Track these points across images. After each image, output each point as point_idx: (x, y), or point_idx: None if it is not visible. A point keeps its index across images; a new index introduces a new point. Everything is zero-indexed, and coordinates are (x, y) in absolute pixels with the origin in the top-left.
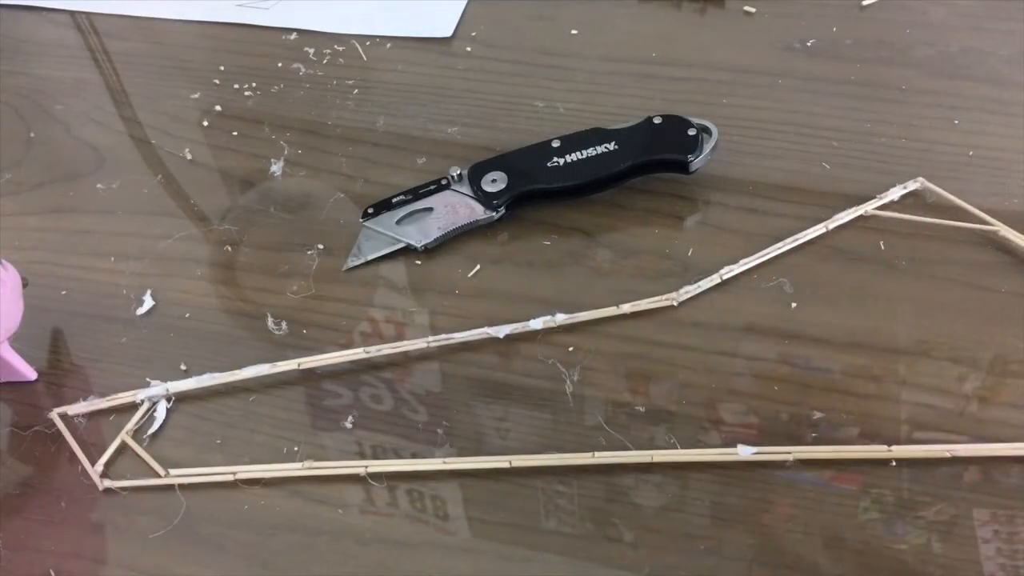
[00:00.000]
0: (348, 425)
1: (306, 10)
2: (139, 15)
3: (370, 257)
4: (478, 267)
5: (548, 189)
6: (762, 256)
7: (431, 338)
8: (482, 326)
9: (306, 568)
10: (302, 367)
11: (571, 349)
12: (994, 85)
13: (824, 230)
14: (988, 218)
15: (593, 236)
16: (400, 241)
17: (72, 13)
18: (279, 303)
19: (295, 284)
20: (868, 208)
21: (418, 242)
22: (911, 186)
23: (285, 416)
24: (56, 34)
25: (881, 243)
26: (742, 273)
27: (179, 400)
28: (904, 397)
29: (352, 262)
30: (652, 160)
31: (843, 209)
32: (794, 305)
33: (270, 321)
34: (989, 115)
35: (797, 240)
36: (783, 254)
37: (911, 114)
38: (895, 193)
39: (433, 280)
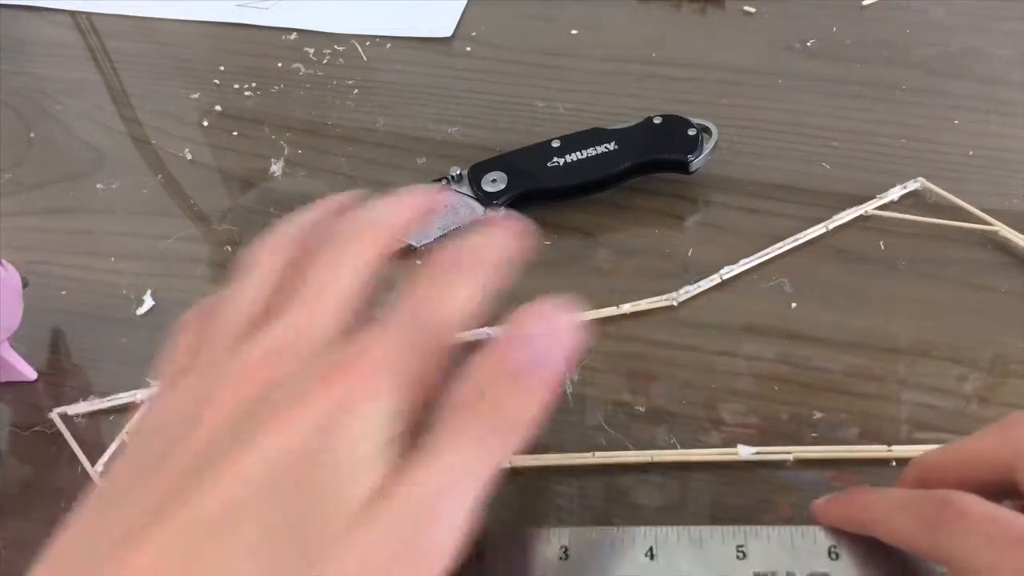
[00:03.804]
0: None
1: (306, 10)
2: (139, 15)
3: None
4: None
5: (548, 189)
6: (762, 256)
7: None
8: (482, 326)
9: None
10: None
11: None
12: (994, 85)
13: (824, 230)
14: (988, 218)
15: (593, 236)
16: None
17: (72, 13)
18: None
19: None
20: (868, 208)
21: (418, 242)
22: (911, 186)
23: None
24: (56, 34)
25: (881, 243)
26: (742, 273)
27: None
28: (904, 397)
29: None
30: (652, 160)
31: (843, 209)
32: (794, 305)
33: None
34: (989, 115)
35: (797, 240)
36: (783, 254)
37: (911, 114)
38: (895, 193)
39: None
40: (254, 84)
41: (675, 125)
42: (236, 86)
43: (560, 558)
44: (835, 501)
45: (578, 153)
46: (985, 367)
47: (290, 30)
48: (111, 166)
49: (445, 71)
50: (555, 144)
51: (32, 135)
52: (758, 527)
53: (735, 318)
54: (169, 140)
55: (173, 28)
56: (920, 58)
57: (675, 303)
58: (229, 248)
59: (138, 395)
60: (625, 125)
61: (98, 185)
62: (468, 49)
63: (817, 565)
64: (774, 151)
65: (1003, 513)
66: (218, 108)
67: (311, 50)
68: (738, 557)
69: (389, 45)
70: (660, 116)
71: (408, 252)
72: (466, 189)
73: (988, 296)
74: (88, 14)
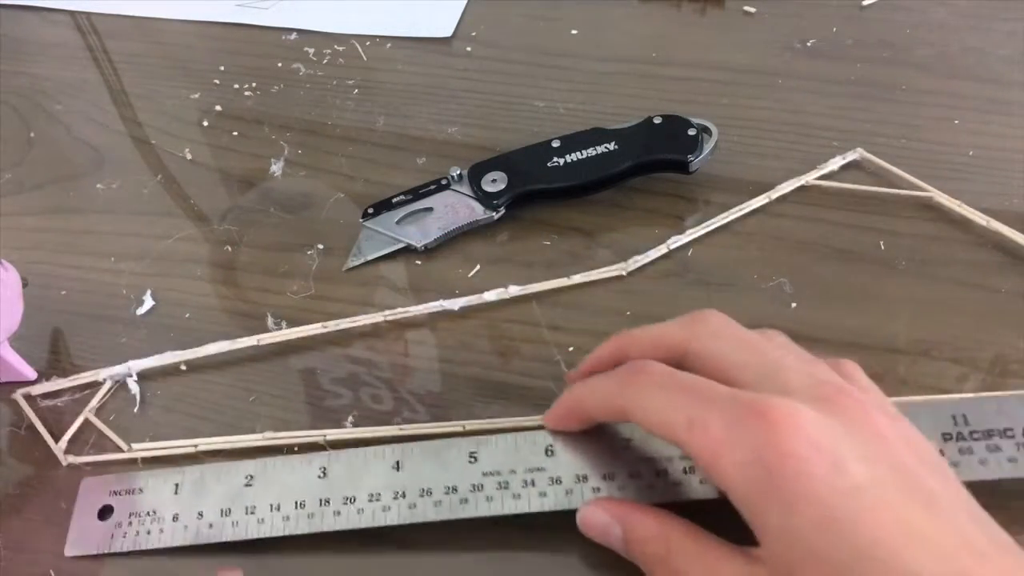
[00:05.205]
0: (348, 426)
1: (306, 10)
2: (139, 15)
3: (370, 257)
4: (478, 267)
5: (548, 189)
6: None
7: (387, 312)
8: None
9: None
10: (261, 343)
11: (571, 349)
12: (994, 85)
13: (767, 200)
14: (923, 184)
15: (593, 236)
16: (400, 241)
17: (72, 13)
18: (279, 303)
19: (295, 284)
20: (808, 179)
21: (418, 242)
22: (850, 156)
23: (283, 415)
24: (56, 34)
25: (881, 243)
26: (742, 272)
27: (148, 380)
28: (904, 397)
29: (352, 262)
30: (652, 160)
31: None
32: (794, 305)
33: (270, 321)
34: (989, 115)
35: (743, 209)
36: (783, 254)
37: (911, 114)
38: (835, 163)
39: (433, 280)
40: (254, 84)
41: (675, 125)
42: (236, 86)
43: (319, 476)
44: (554, 407)
45: (578, 153)
46: (985, 367)
47: (290, 30)
48: (111, 166)
49: (445, 71)
50: (555, 144)
51: (32, 135)
52: (489, 436)
53: (735, 318)
54: (169, 140)
55: (173, 28)
56: (920, 58)
57: (623, 274)
58: (229, 248)
59: (100, 374)
60: (625, 125)
61: (98, 185)
62: (468, 49)
63: (536, 462)
64: (774, 151)
65: (674, 371)
66: (218, 108)
67: (311, 50)
68: (470, 462)
69: (389, 45)
70: (660, 116)
71: (409, 252)
72: (466, 189)
73: (988, 296)
74: (88, 14)
